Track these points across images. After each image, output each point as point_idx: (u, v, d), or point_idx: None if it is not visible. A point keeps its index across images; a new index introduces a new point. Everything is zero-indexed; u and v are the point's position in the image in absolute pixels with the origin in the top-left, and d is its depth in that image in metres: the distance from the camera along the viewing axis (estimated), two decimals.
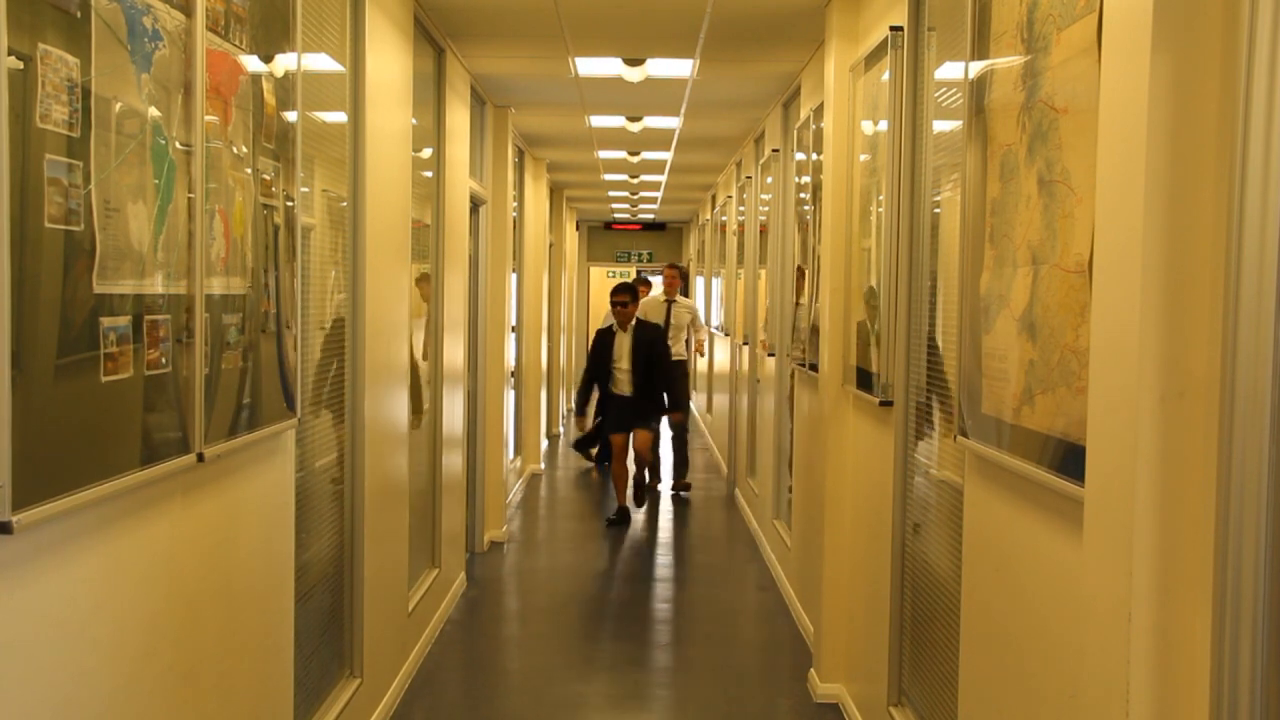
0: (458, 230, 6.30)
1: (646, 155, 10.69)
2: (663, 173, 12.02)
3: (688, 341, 10.95)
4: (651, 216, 18.51)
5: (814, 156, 5.55)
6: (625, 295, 8.81)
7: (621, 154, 10.69)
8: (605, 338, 8.84)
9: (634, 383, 8.73)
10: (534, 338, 10.61)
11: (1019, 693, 2.50)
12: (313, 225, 3.62)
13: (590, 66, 6.56)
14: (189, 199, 2.33)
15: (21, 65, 1.73)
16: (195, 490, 2.50)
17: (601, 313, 11.64)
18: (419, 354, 5.45)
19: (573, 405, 11.51)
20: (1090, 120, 1.99)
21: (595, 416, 9.87)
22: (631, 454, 9.02)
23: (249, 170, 2.70)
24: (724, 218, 11.46)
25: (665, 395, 8.93)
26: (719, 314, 12.31)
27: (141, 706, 2.26)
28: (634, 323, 8.79)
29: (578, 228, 18.38)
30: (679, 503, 9.62)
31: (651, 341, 8.80)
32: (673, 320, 10.71)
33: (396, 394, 4.67)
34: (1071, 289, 2.14)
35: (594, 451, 11.30)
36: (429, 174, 5.75)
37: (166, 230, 2.23)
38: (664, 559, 7.64)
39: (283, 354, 2.97)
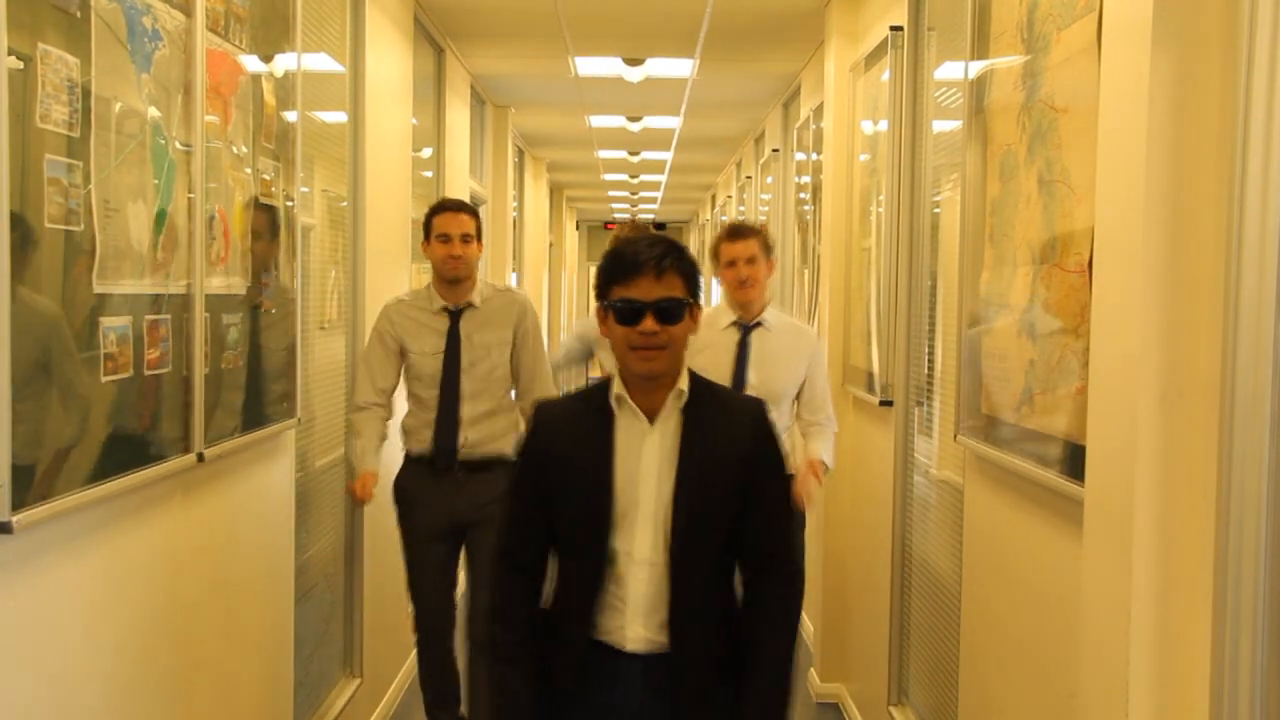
0: None
1: (646, 155, 10.68)
2: (663, 173, 12.01)
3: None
4: (652, 216, 18.52)
5: (814, 156, 5.54)
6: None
7: (621, 154, 10.68)
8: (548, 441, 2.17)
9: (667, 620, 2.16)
10: None
11: (1019, 692, 2.50)
12: (313, 225, 3.61)
13: (590, 66, 6.55)
14: (189, 199, 2.33)
15: (21, 65, 1.73)
16: (195, 490, 2.50)
17: None
18: None
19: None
20: (1090, 120, 1.99)
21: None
22: None
23: (249, 170, 2.70)
24: (724, 217, 11.45)
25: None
26: None
27: (142, 706, 2.26)
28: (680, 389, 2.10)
29: (577, 227, 18.39)
30: None
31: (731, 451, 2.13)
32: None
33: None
34: (1071, 289, 2.13)
35: None
36: (429, 174, 5.75)
37: (166, 230, 2.23)
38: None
39: (283, 353, 2.97)
